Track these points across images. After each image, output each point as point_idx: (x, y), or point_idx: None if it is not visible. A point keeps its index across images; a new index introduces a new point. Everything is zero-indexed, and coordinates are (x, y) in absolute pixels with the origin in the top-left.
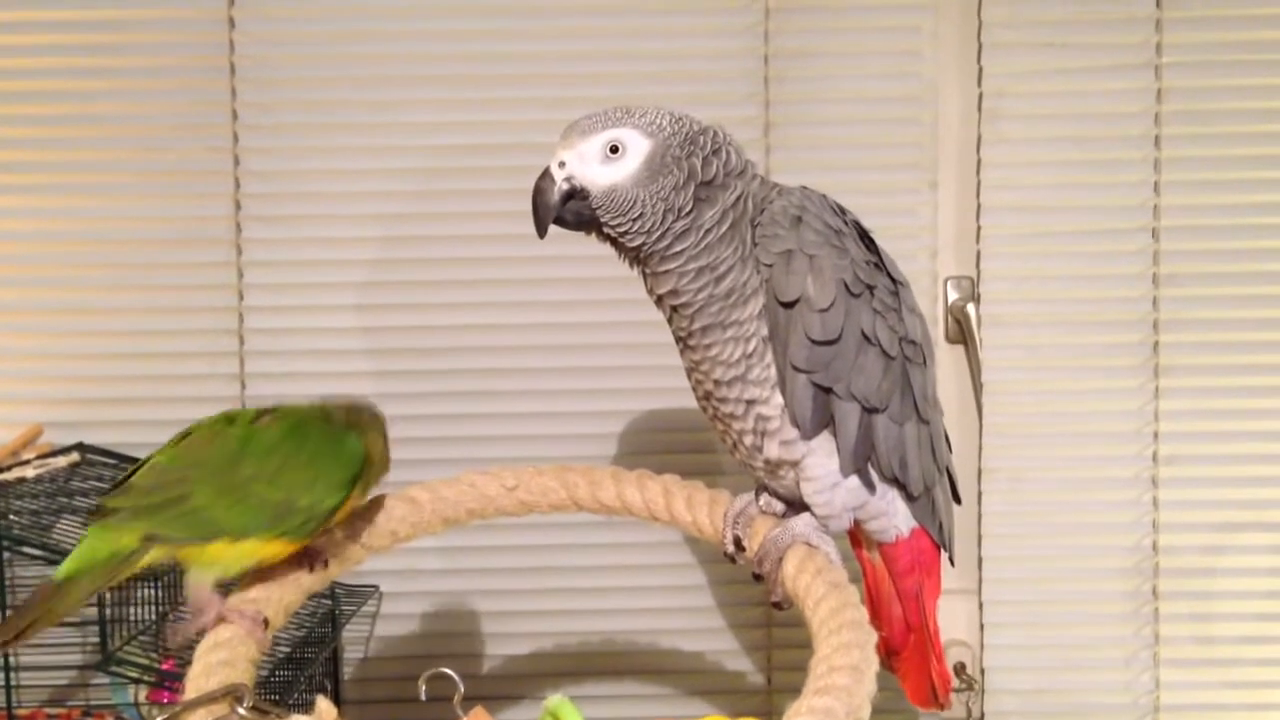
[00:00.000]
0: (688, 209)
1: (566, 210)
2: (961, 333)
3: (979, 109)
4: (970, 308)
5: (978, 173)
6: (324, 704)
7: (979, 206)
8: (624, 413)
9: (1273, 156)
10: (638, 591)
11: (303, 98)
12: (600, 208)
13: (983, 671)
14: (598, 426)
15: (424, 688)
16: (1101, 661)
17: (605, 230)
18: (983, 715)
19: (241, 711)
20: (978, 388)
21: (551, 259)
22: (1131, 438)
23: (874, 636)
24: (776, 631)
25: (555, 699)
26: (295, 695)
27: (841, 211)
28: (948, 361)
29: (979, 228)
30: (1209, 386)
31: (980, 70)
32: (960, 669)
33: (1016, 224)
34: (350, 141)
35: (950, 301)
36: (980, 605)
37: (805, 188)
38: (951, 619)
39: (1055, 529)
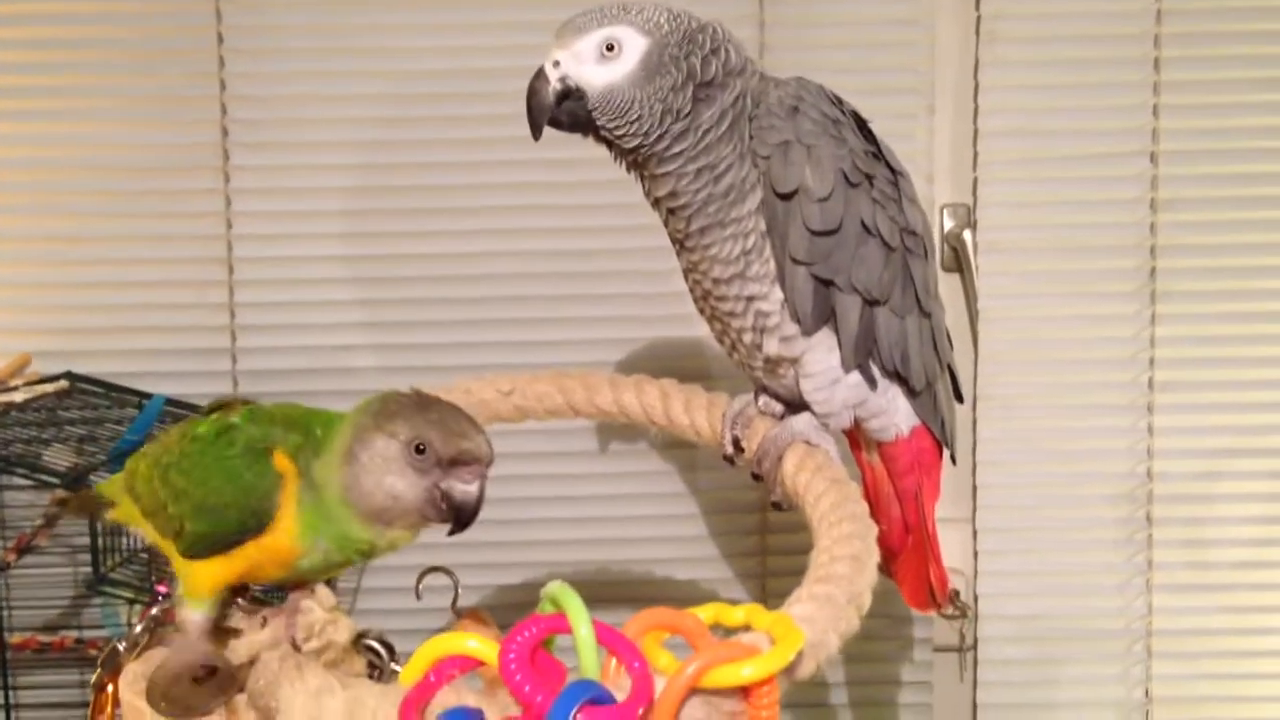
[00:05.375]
0: (686, 110)
1: (561, 111)
2: (957, 260)
3: (977, 31)
4: (966, 234)
5: (975, 97)
6: (323, 589)
7: (976, 132)
8: (620, 318)
9: (1273, 80)
10: (631, 521)
11: (290, 21)
12: (596, 109)
13: (976, 598)
14: (594, 333)
15: (419, 586)
16: (1095, 587)
17: (601, 132)
18: (975, 641)
19: (241, 602)
20: (973, 315)
21: (546, 163)
22: (1127, 364)
23: (874, 529)
24: (771, 560)
25: (555, 585)
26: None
27: (839, 101)
28: (943, 289)
29: (976, 153)
30: (1205, 312)
31: None
32: (954, 596)
33: (1014, 149)
34: (341, 65)
35: (946, 229)
36: (974, 532)
37: (801, 78)
38: (945, 546)
39: (1050, 455)
